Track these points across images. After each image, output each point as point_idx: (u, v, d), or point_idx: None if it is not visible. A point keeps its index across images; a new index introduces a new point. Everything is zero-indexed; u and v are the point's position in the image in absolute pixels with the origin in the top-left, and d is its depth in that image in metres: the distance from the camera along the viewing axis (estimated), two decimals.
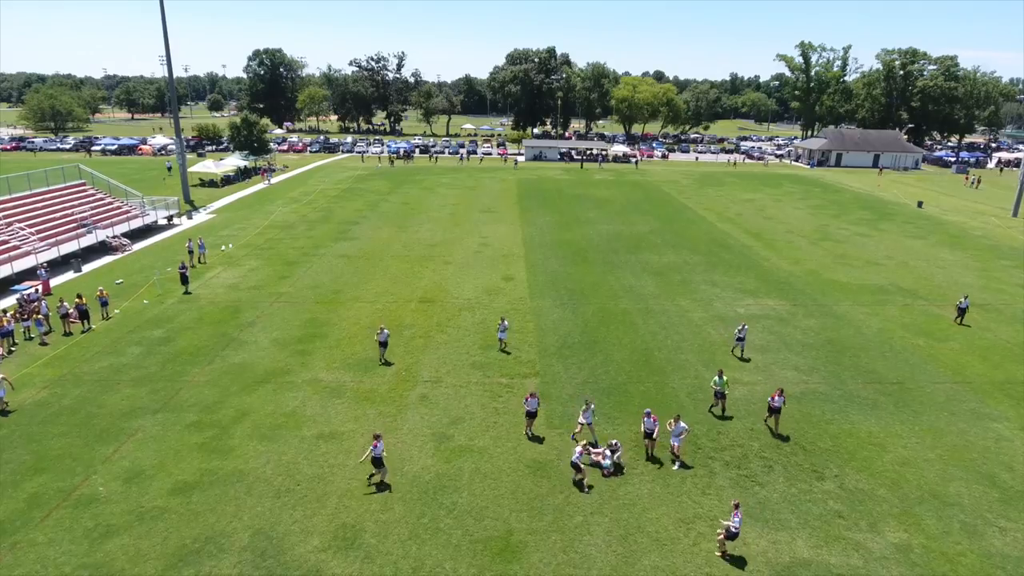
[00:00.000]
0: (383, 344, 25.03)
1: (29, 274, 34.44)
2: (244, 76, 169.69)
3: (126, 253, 41.43)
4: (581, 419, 20.02)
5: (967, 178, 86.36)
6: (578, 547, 15.49)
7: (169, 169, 74.08)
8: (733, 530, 15.04)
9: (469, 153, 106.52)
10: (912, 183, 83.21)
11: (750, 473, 18.58)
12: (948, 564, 15.21)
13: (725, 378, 21.58)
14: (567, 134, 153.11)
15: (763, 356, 26.53)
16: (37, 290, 31.22)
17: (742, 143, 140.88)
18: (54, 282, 34.47)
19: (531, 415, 20.00)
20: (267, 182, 71.88)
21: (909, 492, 17.86)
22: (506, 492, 17.50)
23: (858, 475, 18.55)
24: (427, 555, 15.13)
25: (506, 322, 26.82)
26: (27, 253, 36.46)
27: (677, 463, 18.83)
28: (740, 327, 26.50)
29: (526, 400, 20.15)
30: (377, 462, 17.39)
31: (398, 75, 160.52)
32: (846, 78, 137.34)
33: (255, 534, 15.68)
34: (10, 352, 25.61)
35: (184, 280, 33.25)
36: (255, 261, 39.39)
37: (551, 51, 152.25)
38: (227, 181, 71.17)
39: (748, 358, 26.23)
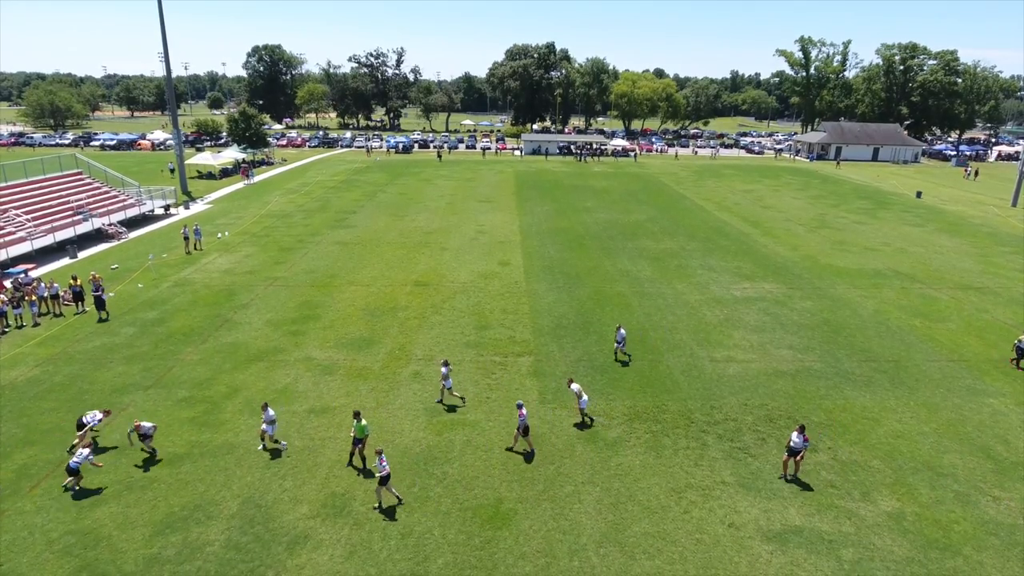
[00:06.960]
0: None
1: (23, 260, 34.36)
2: (244, 74, 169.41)
3: (122, 241, 41.36)
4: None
5: (966, 171, 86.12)
6: (568, 515, 15.40)
7: (172, 171, 71.45)
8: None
9: (451, 148, 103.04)
10: (911, 175, 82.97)
11: (743, 445, 18.48)
12: (941, 531, 15.10)
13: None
14: (567, 130, 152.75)
15: (759, 336, 26.41)
16: (27, 273, 31.09)
17: (741, 138, 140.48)
18: (48, 268, 34.39)
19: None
20: (246, 181, 65.71)
21: (903, 463, 17.75)
22: (497, 463, 17.40)
23: (852, 447, 18.44)
24: (416, 522, 15.05)
25: (448, 368, 20.38)
26: (22, 239, 36.41)
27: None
28: (618, 330, 23.81)
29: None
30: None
31: (397, 71, 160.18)
32: (846, 73, 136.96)
33: (244, 502, 15.60)
34: (3, 333, 25.52)
35: (100, 304, 26.97)
36: (251, 248, 39.29)
37: (550, 46, 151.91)
38: (225, 174, 71.06)
39: (627, 361, 23.70)
